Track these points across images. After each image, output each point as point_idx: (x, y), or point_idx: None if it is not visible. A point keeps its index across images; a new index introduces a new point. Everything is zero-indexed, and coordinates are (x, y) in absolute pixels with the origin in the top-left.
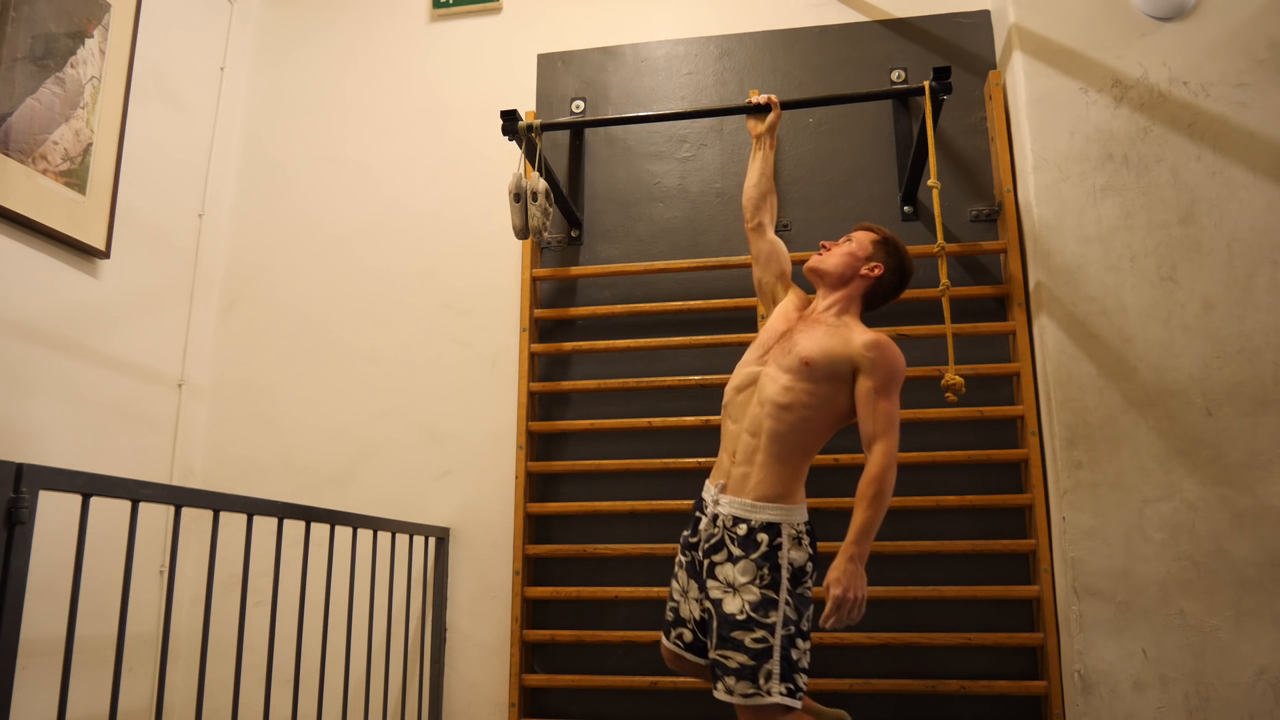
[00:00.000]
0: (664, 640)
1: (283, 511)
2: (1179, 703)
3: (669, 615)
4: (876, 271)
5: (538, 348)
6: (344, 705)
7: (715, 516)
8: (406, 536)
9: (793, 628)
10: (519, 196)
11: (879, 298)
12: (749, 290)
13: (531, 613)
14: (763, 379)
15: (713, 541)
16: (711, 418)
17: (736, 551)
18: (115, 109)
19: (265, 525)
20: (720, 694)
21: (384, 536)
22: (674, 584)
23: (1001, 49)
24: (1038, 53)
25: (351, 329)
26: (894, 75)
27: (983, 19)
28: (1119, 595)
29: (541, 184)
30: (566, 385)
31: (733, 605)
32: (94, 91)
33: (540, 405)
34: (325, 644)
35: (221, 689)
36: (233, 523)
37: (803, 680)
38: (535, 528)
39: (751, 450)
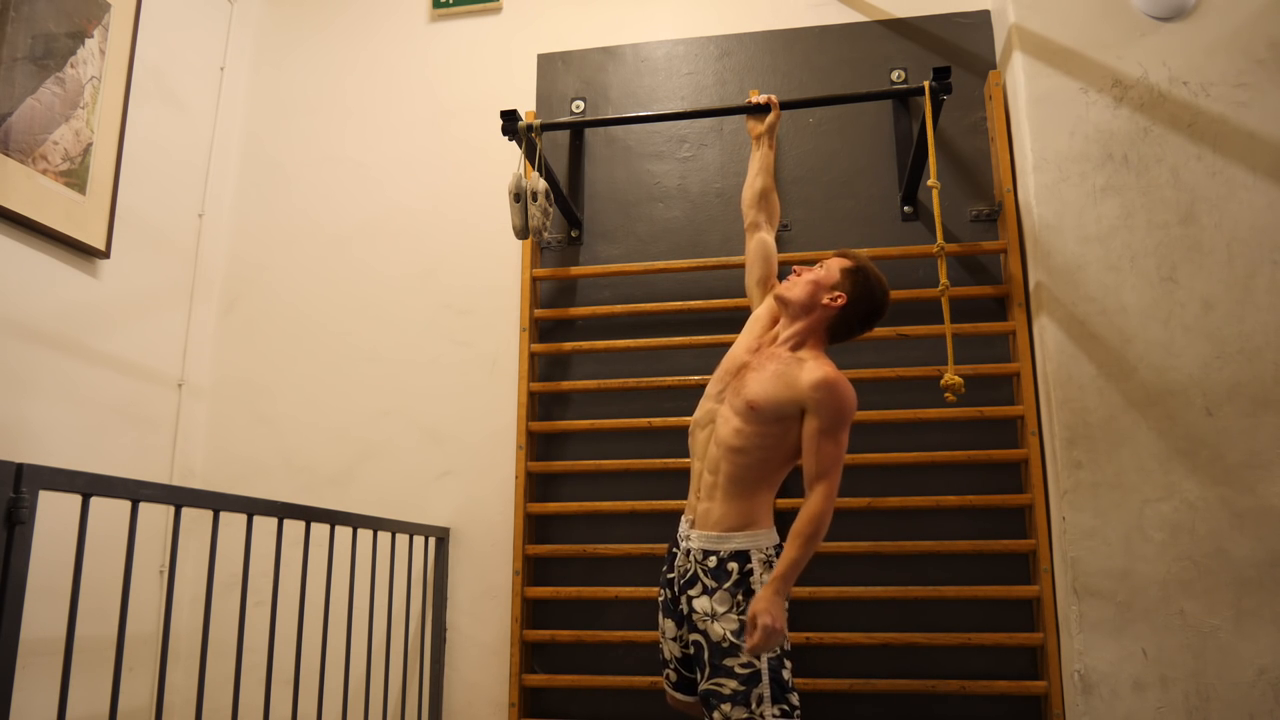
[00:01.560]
0: (664, 683)
1: (283, 511)
2: (1179, 703)
3: (660, 656)
4: (839, 302)
5: (538, 348)
6: (344, 705)
7: (688, 551)
8: (406, 536)
9: (778, 650)
10: (519, 196)
11: (843, 330)
12: None
13: (531, 613)
14: (718, 419)
15: (687, 576)
16: None
17: (710, 583)
18: (115, 109)
19: (265, 525)
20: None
21: (384, 536)
22: (659, 625)
23: (1001, 49)
24: (1038, 53)
25: (351, 329)
26: (894, 75)
27: (983, 19)
28: (1119, 595)
29: (541, 184)
30: (566, 385)
31: (715, 631)
32: (94, 91)
33: (540, 405)
34: (325, 644)
35: (221, 689)
36: (233, 523)
37: (795, 699)
38: (535, 528)
39: (712, 487)
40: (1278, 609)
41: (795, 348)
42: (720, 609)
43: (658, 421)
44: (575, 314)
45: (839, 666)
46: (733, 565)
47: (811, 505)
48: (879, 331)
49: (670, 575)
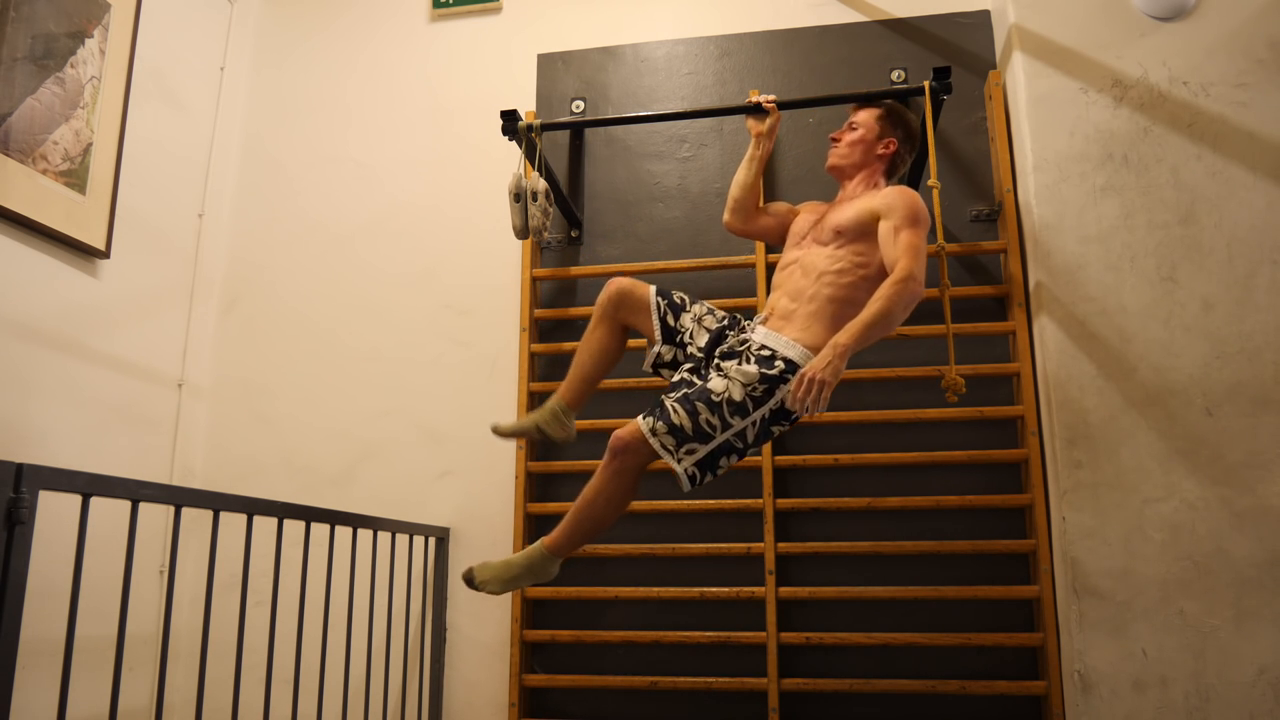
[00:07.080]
0: (651, 291)
1: (283, 511)
2: (1179, 703)
3: (677, 298)
4: (891, 148)
5: (538, 348)
6: (344, 705)
7: (744, 341)
8: (406, 536)
9: (741, 444)
10: (519, 196)
11: (898, 167)
12: (749, 290)
13: (531, 613)
14: (805, 258)
15: (731, 351)
16: None
17: (749, 364)
18: (115, 109)
19: (265, 525)
20: (643, 425)
21: (384, 536)
22: (698, 307)
23: (1001, 49)
24: (1038, 53)
25: (351, 329)
26: (894, 75)
27: (983, 19)
28: (1119, 595)
29: (541, 184)
30: None
31: (717, 385)
32: (94, 91)
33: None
34: (325, 644)
35: (221, 689)
36: (233, 523)
37: (708, 479)
38: (535, 528)
39: (790, 312)
40: (1278, 609)
41: (865, 189)
42: (738, 378)
43: None
44: (575, 314)
45: (839, 666)
46: (780, 364)
47: (897, 272)
48: None
49: (713, 328)
